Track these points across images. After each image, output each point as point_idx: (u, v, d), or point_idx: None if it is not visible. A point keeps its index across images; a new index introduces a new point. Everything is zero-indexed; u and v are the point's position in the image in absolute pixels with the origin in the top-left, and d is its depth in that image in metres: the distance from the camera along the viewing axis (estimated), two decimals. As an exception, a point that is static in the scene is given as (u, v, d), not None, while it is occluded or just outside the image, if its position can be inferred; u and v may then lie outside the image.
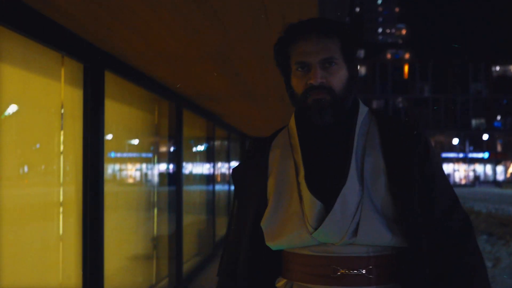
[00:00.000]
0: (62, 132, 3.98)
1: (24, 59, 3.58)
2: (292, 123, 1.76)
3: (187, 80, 5.83)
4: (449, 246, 1.60)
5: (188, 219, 7.74)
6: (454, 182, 60.21)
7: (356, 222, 1.55)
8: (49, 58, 3.83)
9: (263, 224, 1.65)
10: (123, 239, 5.50)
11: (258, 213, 1.68)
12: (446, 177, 1.70)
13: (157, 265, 6.46)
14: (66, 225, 4.00)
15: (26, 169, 3.67)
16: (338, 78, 1.63)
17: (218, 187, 10.63)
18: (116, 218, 5.15)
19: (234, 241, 1.79)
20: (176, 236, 6.75)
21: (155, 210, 6.41)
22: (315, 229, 1.57)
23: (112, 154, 5.26)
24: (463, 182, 60.73)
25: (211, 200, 9.77)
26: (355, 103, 1.71)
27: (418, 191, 1.59)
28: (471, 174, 61.97)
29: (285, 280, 1.68)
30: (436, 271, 1.58)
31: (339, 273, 1.57)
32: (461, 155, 62.59)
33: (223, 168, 11.81)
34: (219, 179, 11.09)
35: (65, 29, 3.66)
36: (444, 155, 62.60)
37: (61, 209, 3.95)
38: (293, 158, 1.68)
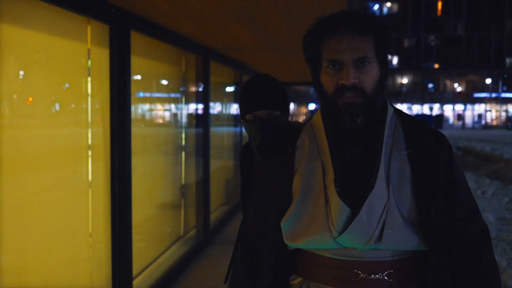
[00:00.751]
0: (89, 92, 4.03)
1: (50, 25, 3.60)
2: (318, 121, 1.69)
3: (213, 35, 5.80)
4: (466, 256, 1.62)
5: (215, 165, 7.83)
6: (486, 123, 59.31)
7: (381, 227, 1.53)
8: (75, 22, 3.85)
9: (284, 223, 1.62)
10: (150, 186, 5.63)
11: (282, 210, 1.64)
12: (468, 185, 1.68)
13: (185, 215, 6.62)
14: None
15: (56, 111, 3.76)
16: (371, 78, 1.58)
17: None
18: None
19: (254, 238, 1.73)
20: (204, 186, 6.87)
21: (183, 154, 6.49)
22: (340, 233, 1.54)
23: (140, 110, 5.32)
24: (494, 123, 59.73)
25: (238, 144, 9.78)
26: (383, 102, 1.67)
27: (441, 197, 1.59)
28: (503, 114, 60.88)
29: (301, 279, 1.67)
30: (454, 276, 1.60)
31: (360, 278, 1.56)
32: (493, 95, 61.39)
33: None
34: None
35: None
36: (476, 95, 61.50)
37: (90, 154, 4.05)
38: (320, 159, 1.62)
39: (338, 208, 1.55)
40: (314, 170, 1.61)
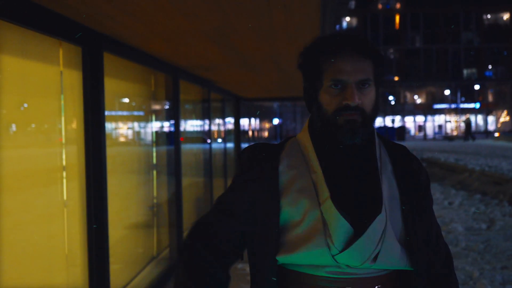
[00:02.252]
0: (63, 117, 3.99)
1: (22, 48, 3.56)
2: (305, 139, 1.72)
3: (183, 54, 5.80)
4: (439, 267, 1.74)
5: (186, 182, 7.79)
6: (446, 134, 60.48)
7: (379, 248, 1.58)
8: (46, 44, 3.81)
9: (281, 235, 1.63)
10: (124, 206, 5.57)
11: (272, 233, 1.63)
12: None
13: (157, 235, 6.55)
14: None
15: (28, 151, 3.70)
16: (370, 99, 1.63)
17: (214, 145, 10.59)
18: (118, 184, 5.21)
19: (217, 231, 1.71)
20: (176, 204, 6.82)
21: (155, 173, 6.45)
22: (340, 251, 1.56)
23: (111, 129, 5.28)
24: (455, 133, 60.96)
25: (208, 161, 9.75)
26: None
27: (422, 218, 1.68)
28: (463, 125, 62.26)
29: None
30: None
31: None
32: (452, 105, 62.73)
33: (219, 127, 11.82)
34: (215, 135, 11.09)
35: (61, 16, 3.63)
36: (436, 106, 62.73)
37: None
38: (310, 177, 1.63)
39: (338, 225, 1.57)
40: (305, 187, 1.63)
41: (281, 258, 1.63)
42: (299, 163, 1.67)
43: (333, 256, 1.57)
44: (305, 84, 1.73)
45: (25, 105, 3.69)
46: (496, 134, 51.16)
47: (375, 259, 1.57)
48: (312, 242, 1.58)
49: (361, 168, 1.65)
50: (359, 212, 1.59)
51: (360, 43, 1.63)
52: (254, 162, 1.70)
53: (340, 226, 1.57)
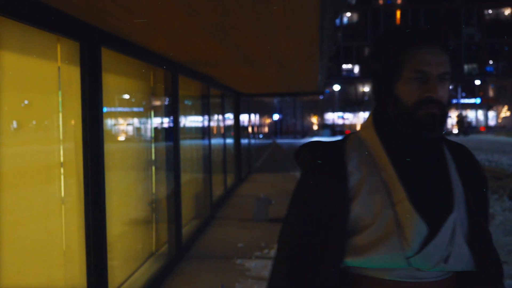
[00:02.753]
0: (60, 112, 3.96)
1: (20, 43, 3.53)
2: (371, 135, 1.64)
3: (183, 50, 5.78)
4: (492, 271, 1.65)
5: (185, 178, 7.78)
6: (447, 129, 60.44)
7: (450, 249, 1.53)
8: (44, 40, 3.78)
9: (350, 238, 1.57)
10: (123, 202, 5.55)
11: (340, 236, 1.56)
12: None
13: (156, 231, 6.54)
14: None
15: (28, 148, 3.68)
16: (447, 93, 1.59)
17: (213, 141, 10.56)
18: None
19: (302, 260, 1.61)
20: (175, 200, 6.81)
21: (153, 169, 6.43)
22: (415, 253, 1.51)
23: (109, 125, 5.26)
24: (455, 128, 60.92)
25: (207, 156, 9.73)
26: None
27: (484, 219, 1.64)
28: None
29: None
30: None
31: None
32: (453, 101, 62.66)
33: (219, 123, 11.80)
34: (215, 131, 11.06)
35: (59, 11, 3.60)
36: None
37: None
38: (379, 176, 1.57)
39: (415, 226, 1.51)
40: (376, 187, 1.56)
41: (350, 262, 1.57)
42: (366, 162, 1.60)
43: (407, 258, 1.51)
44: (377, 76, 1.65)
45: (24, 101, 3.67)
46: (481, 129, 51.51)
47: (446, 261, 1.53)
48: (385, 244, 1.52)
49: (432, 165, 1.60)
50: (432, 211, 1.54)
51: (442, 36, 1.59)
52: (318, 165, 1.62)
53: (417, 227, 1.51)
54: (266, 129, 30.88)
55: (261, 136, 25.23)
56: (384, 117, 1.64)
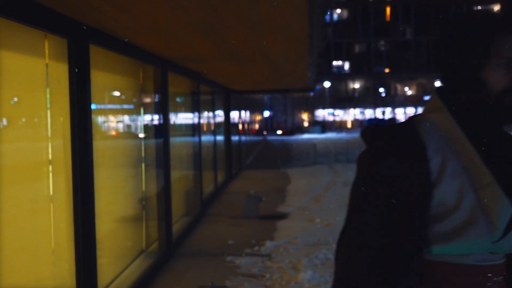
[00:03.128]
0: (48, 111, 3.94)
1: (6, 40, 3.51)
2: (445, 119, 1.63)
3: (172, 46, 5.76)
4: None
5: (175, 176, 7.76)
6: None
7: None
8: (32, 36, 3.76)
9: (434, 225, 1.55)
10: (112, 200, 5.53)
11: (423, 223, 1.54)
12: None
13: (146, 228, 6.52)
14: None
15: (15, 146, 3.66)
16: None
17: (204, 138, 10.54)
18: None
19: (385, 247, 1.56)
20: (165, 197, 6.79)
21: (143, 166, 6.41)
22: (501, 237, 1.53)
23: (99, 122, 5.23)
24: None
25: (197, 153, 9.71)
26: None
27: None
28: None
29: None
30: None
31: (492, 281, 1.57)
32: None
33: (209, 120, 11.78)
34: (205, 128, 11.04)
35: (46, 7, 3.58)
36: (426, 98, 62.79)
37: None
38: (458, 160, 1.56)
39: (503, 210, 1.52)
40: (457, 171, 1.56)
41: (437, 249, 1.57)
42: (443, 146, 1.58)
43: (493, 242, 1.53)
44: (460, 60, 1.62)
45: (13, 98, 3.64)
46: None
47: None
48: (473, 229, 1.52)
49: (508, 150, 1.64)
50: None
51: None
52: (401, 148, 1.57)
53: (504, 211, 1.52)
54: (256, 126, 30.87)
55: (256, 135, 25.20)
56: (460, 102, 1.63)
